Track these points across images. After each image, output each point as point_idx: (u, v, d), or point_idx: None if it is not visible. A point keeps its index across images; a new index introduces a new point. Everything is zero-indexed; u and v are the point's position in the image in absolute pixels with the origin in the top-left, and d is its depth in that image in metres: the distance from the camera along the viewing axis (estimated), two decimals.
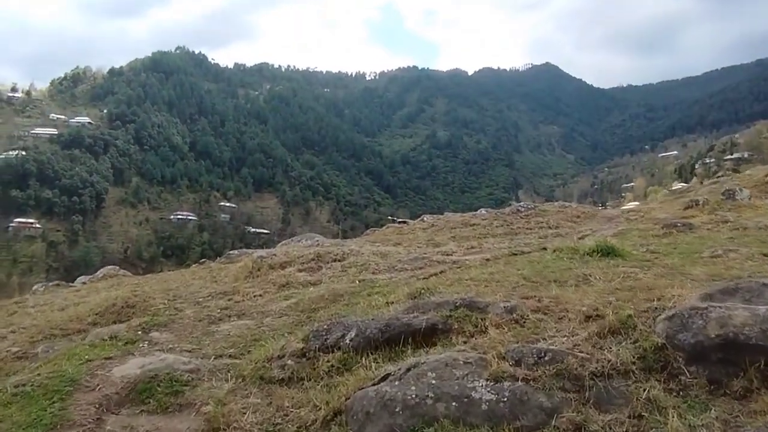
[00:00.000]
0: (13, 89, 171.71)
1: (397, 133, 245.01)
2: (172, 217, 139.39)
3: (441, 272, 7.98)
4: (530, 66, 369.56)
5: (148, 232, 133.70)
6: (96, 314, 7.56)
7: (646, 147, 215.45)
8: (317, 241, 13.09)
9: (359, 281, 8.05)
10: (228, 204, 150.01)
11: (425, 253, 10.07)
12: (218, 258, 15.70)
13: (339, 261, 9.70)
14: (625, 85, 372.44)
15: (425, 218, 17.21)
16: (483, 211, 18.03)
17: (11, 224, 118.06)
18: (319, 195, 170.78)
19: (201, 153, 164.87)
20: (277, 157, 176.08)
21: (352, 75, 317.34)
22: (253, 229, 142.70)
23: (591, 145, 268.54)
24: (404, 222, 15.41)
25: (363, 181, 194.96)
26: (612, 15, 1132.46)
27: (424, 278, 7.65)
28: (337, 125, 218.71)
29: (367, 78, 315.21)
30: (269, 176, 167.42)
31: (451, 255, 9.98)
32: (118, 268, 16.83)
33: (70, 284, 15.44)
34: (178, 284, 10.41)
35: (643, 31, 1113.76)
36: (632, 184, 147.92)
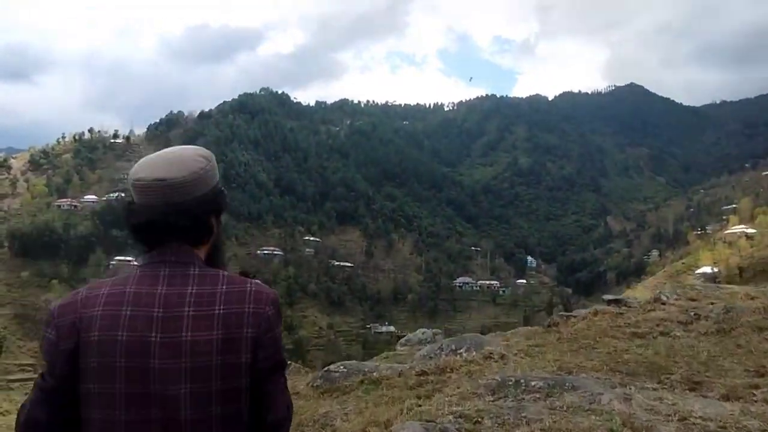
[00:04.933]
0: (115, 135, 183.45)
1: (477, 162, 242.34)
2: (258, 252, 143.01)
3: None
4: (613, 87, 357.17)
5: (236, 267, 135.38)
6: None
7: (747, 165, 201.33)
8: (493, 354, 6.68)
9: None
10: (312, 238, 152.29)
11: None
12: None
13: None
14: (718, 102, 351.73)
15: (663, 296, 9.54)
16: None
17: (112, 262, 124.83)
18: (401, 227, 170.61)
19: (285, 189, 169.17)
20: (359, 190, 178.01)
21: (430, 106, 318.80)
22: (337, 263, 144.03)
23: (683, 166, 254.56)
24: (616, 302, 8.11)
25: (445, 211, 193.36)
26: (702, 28, 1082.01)
27: None
28: (417, 157, 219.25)
29: (446, 108, 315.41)
30: (352, 210, 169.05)
31: None
32: None
33: None
34: None
35: (736, 42, 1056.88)
36: (734, 205, 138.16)
